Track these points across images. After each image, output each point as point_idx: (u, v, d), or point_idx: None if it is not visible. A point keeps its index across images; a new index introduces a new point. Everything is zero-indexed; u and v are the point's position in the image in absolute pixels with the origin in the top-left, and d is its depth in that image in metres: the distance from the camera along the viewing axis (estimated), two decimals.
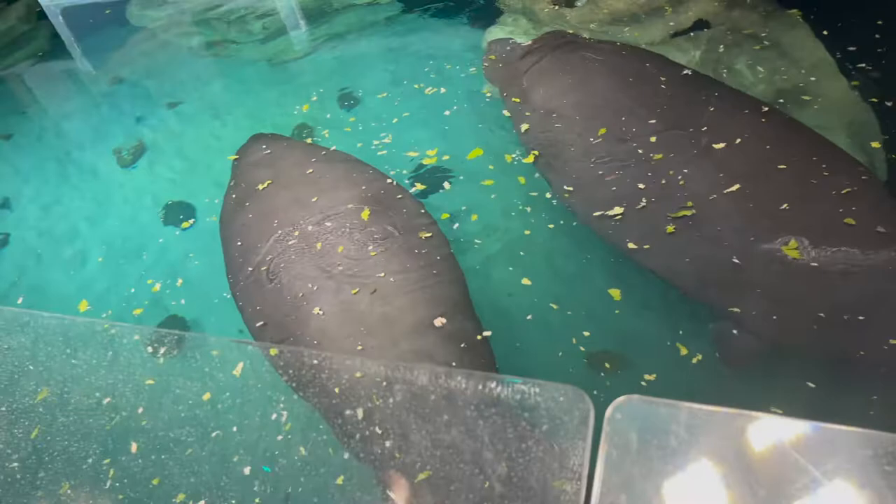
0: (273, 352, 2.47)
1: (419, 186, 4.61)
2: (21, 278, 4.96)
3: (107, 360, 2.53)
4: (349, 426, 1.97)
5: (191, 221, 4.94)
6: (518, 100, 4.37)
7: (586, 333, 3.51)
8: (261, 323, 3.24)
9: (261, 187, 4.01)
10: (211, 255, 4.28)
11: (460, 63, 5.73)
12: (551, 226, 4.09)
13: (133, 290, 4.49)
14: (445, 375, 1.80)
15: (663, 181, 3.33)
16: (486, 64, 4.95)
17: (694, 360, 3.24)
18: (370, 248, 3.24)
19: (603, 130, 3.68)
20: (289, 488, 2.08)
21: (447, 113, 5.20)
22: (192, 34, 7.26)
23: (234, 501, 2.10)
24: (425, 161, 4.82)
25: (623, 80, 3.94)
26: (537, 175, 4.24)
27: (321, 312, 2.97)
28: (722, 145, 3.34)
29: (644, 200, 3.35)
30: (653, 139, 3.50)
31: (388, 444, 1.88)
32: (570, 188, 3.72)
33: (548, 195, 4.21)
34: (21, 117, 6.62)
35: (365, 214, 3.48)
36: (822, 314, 2.82)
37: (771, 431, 1.71)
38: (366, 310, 2.91)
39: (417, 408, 1.85)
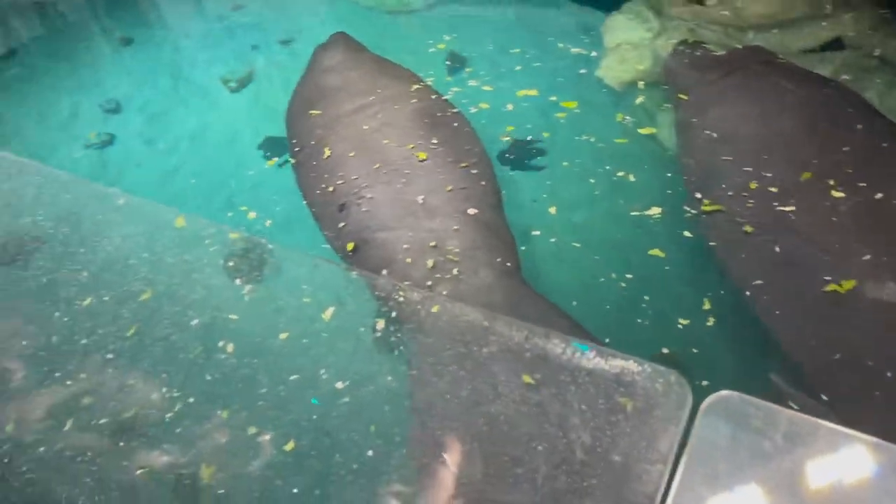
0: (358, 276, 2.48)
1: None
2: (118, 181, 5.12)
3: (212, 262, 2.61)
4: (434, 367, 1.98)
5: (280, 158, 4.99)
6: (692, 108, 4.20)
7: (629, 276, 3.66)
8: (323, 216, 3.80)
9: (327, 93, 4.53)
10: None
11: (573, 42, 5.64)
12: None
13: (230, 215, 4.54)
14: (544, 336, 1.79)
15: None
16: (671, 62, 4.78)
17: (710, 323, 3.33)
18: (423, 153, 3.74)
19: (766, 170, 3.44)
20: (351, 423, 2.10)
21: (552, 90, 5.13)
22: None
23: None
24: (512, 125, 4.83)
25: (811, 120, 3.62)
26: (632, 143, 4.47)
27: (374, 201, 3.55)
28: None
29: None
30: (810, 185, 3.28)
31: (471, 392, 1.88)
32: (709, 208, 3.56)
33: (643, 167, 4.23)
34: (143, 27, 6.82)
35: (422, 125, 3.98)
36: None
37: (873, 456, 1.64)
38: (411, 201, 3.47)
39: (509, 362, 1.84)
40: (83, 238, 2.72)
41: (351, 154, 3.88)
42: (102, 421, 2.23)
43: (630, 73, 5.10)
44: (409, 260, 3.19)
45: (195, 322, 2.45)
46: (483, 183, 3.68)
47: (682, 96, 4.32)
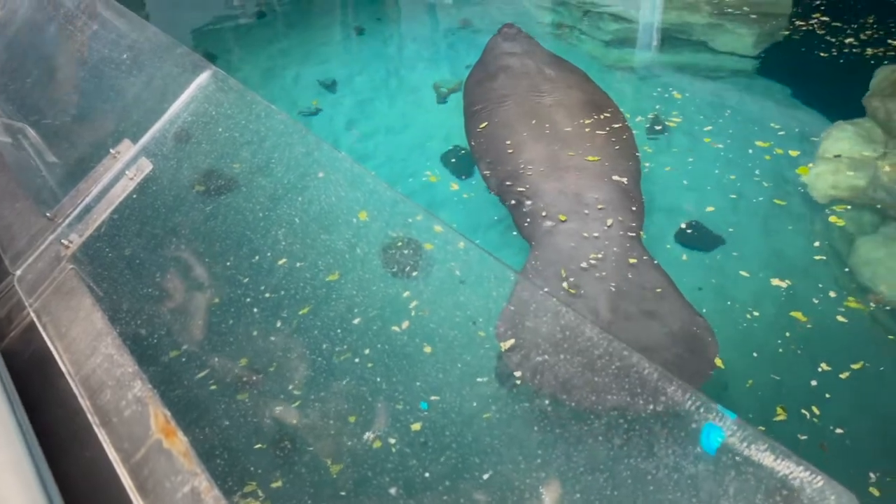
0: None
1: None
2: None
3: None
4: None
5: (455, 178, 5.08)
6: None
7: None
8: (483, 158, 4.65)
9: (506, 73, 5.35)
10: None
11: (782, 143, 5.29)
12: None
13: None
14: (671, 383, 1.65)
15: None
16: None
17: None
18: (585, 129, 4.58)
19: None
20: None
21: (732, 177, 4.88)
22: (546, 11, 7.52)
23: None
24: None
25: None
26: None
27: (533, 151, 4.40)
28: None
29: None
30: None
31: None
32: None
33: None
34: (377, 22, 7.32)
35: (587, 110, 4.80)
36: None
37: None
38: (566, 161, 4.27)
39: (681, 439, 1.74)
40: (284, 187, 2.79)
41: (519, 118, 4.72)
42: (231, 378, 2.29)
43: (840, 189, 4.78)
44: (551, 205, 3.95)
45: (357, 321, 2.44)
46: (627, 161, 4.42)
47: None
